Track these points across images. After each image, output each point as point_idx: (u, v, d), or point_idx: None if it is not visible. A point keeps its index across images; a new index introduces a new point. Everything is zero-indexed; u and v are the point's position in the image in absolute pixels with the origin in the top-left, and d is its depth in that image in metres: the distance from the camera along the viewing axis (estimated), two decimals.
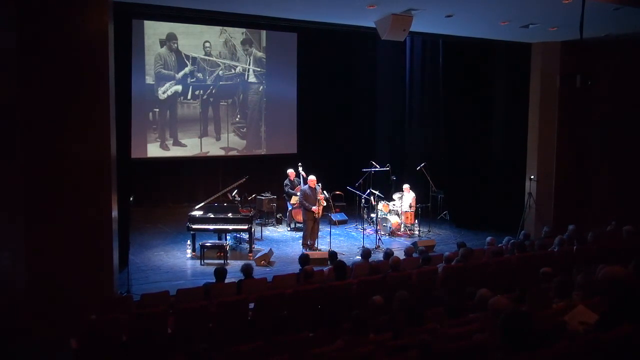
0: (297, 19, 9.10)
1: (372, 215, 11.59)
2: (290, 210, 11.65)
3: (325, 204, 10.50)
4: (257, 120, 14.43)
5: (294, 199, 11.19)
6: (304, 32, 13.67)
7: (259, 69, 14.24)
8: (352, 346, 4.13)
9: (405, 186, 11.65)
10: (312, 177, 10.27)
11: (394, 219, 11.42)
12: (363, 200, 11.66)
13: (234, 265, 8.86)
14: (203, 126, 13.71)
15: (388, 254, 7.63)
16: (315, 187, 10.12)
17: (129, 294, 7.44)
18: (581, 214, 11.14)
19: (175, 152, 13.42)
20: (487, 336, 3.73)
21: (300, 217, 11.30)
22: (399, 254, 7.82)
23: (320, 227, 10.74)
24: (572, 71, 9.66)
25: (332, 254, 7.92)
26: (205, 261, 9.20)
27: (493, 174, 12.44)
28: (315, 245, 10.21)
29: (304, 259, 7.13)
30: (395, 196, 11.72)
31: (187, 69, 13.31)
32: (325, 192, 11.77)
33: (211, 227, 9.72)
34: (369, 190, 11.37)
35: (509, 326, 2.93)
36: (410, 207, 11.54)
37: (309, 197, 10.11)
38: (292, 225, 11.80)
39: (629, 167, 10.92)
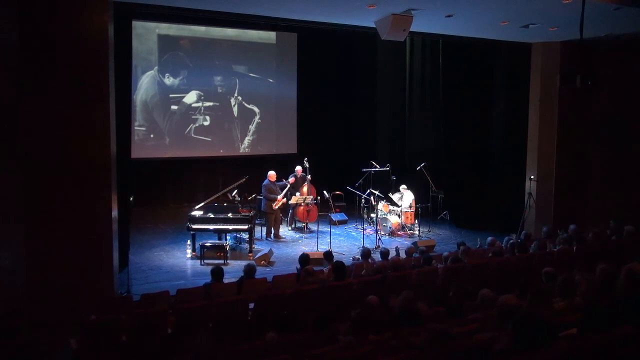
0: (297, 19, 9.09)
1: (372, 215, 11.59)
2: (292, 210, 11.68)
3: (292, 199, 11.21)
4: (257, 120, 14.41)
5: (294, 199, 11.20)
6: (304, 32, 13.65)
7: (259, 69, 14.22)
8: (352, 346, 4.13)
9: (402, 187, 11.65)
10: (271, 172, 11.06)
11: (394, 219, 11.42)
12: (363, 200, 11.67)
13: (234, 265, 8.87)
14: (203, 126, 13.69)
15: (384, 253, 7.63)
16: (275, 182, 11.09)
17: (129, 294, 7.44)
18: (581, 214, 11.14)
19: (175, 152, 13.41)
20: (491, 335, 3.72)
21: (301, 216, 11.40)
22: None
23: (320, 227, 10.82)
24: (572, 71, 9.67)
25: (328, 254, 7.87)
26: (205, 261, 9.19)
27: (493, 174, 12.45)
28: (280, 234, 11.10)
29: (304, 259, 7.12)
30: (396, 197, 11.72)
31: (187, 69, 13.29)
32: (325, 191, 11.83)
33: (211, 227, 9.72)
34: (369, 190, 11.37)
35: (522, 328, 2.92)
36: (410, 207, 11.53)
37: (273, 191, 10.88)
38: (293, 225, 11.81)
39: (629, 167, 10.91)
